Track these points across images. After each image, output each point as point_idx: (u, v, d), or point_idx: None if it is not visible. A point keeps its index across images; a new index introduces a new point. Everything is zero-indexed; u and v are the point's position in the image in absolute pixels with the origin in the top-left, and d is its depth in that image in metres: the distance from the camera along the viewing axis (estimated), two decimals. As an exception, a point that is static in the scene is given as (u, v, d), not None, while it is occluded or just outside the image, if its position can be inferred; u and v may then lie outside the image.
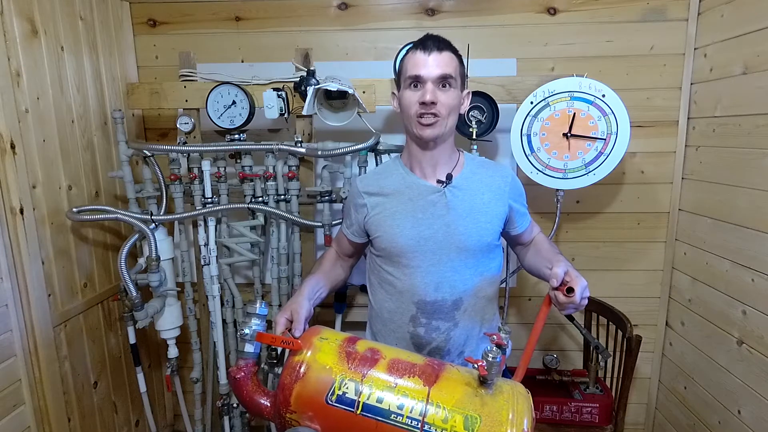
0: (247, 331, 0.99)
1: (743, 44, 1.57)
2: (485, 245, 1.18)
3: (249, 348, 1.00)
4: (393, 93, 1.23)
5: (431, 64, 1.09)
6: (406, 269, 1.18)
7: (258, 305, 1.01)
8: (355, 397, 0.87)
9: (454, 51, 1.14)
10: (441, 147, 1.18)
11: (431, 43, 1.11)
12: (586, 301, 0.98)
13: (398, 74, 1.19)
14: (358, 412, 0.87)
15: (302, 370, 0.91)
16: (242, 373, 0.99)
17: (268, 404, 0.96)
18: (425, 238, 1.15)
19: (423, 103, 1.10)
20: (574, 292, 0.95)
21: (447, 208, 1.16)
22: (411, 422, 0.85)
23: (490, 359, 0.85)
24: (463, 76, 1.17)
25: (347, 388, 0.88)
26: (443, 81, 1.10)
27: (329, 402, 0.88)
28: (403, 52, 1.16)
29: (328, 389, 0.89)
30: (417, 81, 1.11)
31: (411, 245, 1.16)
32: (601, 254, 2.02)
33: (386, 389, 0.88)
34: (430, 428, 0.84)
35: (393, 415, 0.86)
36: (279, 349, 1.05)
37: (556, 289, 0.99)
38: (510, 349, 1.32)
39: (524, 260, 1.32)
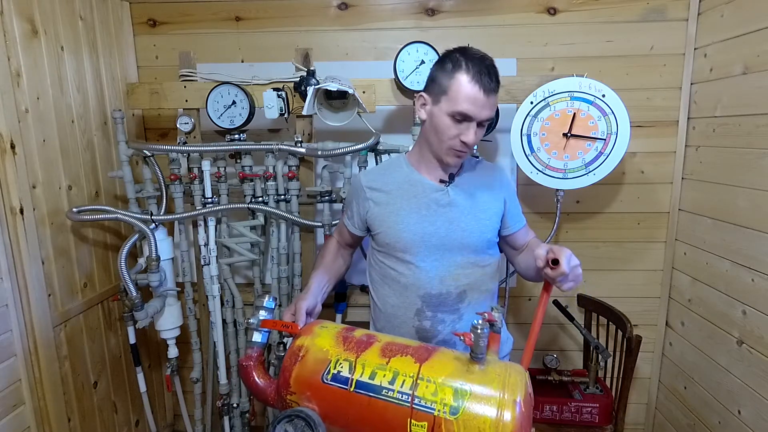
0: (253, 320, 1.06)
1: (743, 44, 1.57)
2: (486, 241, 1.22)
3: (257, 337, 1.07)
4: (422, 96, 1.16)
5: (485, 107, 1.08)
6: (410, 264, 1.20)
7: (266, 299, 1.09)
8: (349, 375, 0.91)
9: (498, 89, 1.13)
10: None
11: (489, 82, 1.06)
12: (579, 270, 0.97)
13: (439, 90, 1.11)
14: (352, 389, 0.90)
15: (301, 353, 0.96)
16: (250, 362, 1.05)
17: (272, 389, 1.01)
18: (429, 234, 1.18)
19: (464, 143, 1.11)
20: (560, 263, 0.94)
21: (450, 205, 1.19)
22: (402, 396, 0.87)
23: (478, 332, 0.86)
24: None
25: (342, 367, 0.92)
26: (484, 122, 1.12)
27: (325, 380, 0.92)
28: (455, 72, 1.08)
29: (324, 369, 0.93)
30: (464, 118, 1.09)
31: (415, 240, 1.19)
32: (601, 254, 2.02)
33: (378, 367, 0.91)
34: (420, 401, 0.86)
35: (384, 391, 0.88)
36: (287, 344, 1.11)
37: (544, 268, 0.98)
38: (510, 345, 1.32)
39: (516, 262, 1.31)
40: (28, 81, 1.42)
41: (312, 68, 1.63)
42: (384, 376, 0.90)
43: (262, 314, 1.07)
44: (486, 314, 0.93)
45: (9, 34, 1.35)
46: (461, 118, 1.09)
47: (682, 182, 1.91)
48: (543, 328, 2.09)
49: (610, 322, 1.88)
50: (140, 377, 1.84)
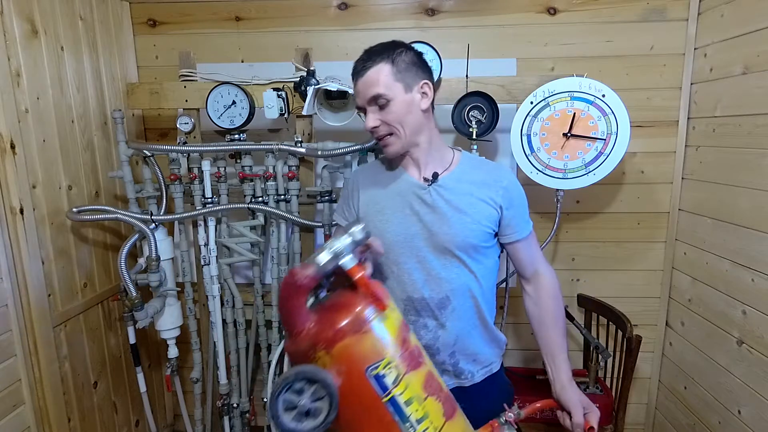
0: (338, 244, 0.90)
1: (743, 44, 1.57)
2: (471, 246, 1.14)
3: (323, 258, 0.89)
4: None
5: (360, 92, 1.10)
6: (393, 266, 1.17)
7: (359, 227, 0.92)
8: (391, 387, 0.85)
9: (384, 59, 1.08)
10: (416, 151, 1.17)
11: (356, 67, 1.11)
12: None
13: None
14: (385, 400, 0.85)
15: (365, 328, 0.86)
16: (304, 281, 0.88)
17: (308, 329, 0.88)
18: (411, 235, 1.15)
19: (370, 131, 1.13)
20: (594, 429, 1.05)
21: (431, 206, 1.15)
22: None
23: None
24: (408, 76, 1.10)
25: (389, 373, 0.86)
26: (376, 101, 1.09)
27: (367, 374, 0.85)
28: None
29: (374, 362, 0.85)
30: (361, 110, 1.14)
31: (398, 241, 1.15)
32: (601, 254, 2.02)
33: (416, 398, 0.87)
34: None
35: (408, 424, 0.85)
36: (331, 280, 0.98)
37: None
38: (504, 346, 1.29)
39: (526, 306, 1.27)
40: (28, 81, 1.42)
41: (312, 68, 1.63)
42: (416, 410, 0.86)
43: (346, 244, 0.89)
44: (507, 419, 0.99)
45: (9, 34, 1.35)
46: (361, 111, 1.14)
47: (682, 182, 1.91)
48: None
49: (610, 322, 1.87)
50: (140, 377, 1.84)
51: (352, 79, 1.13)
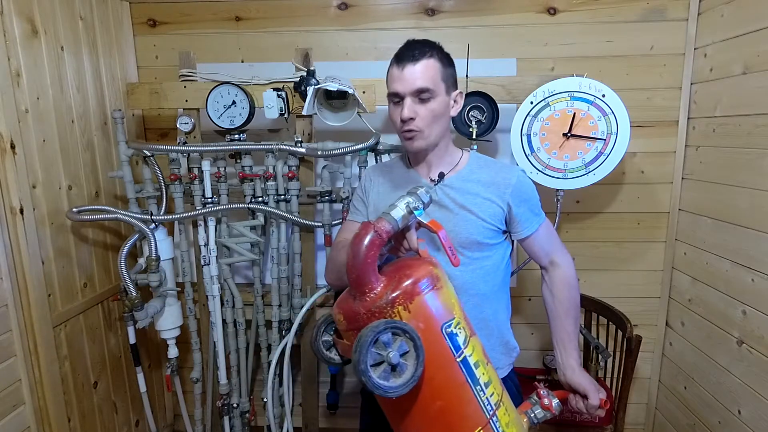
0: (410, 199, 0.91)
1: (743, 44, 1.57)
2: (474, 242, 1.15)
3: (397, 214, 0.89)
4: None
5: (406, 79, 1.07)
6: None
7: (423, 189, 0.95)
8: (462, 347, 0.85)
9: (435, 55, 1.09)
10: (432, 151, 1.18)
11: (406, 53, 1.08)
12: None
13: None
14: (459, 360, 0.85)
15: (439, 283, 0.87)
16: (383, 234, 0.86)
17: (384, 285, 0.86)
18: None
19: (402, 120, 1.10)
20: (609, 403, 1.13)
21: (437, 204, 1.16)
22: (487, 405, 0.85)
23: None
24: (450, 78, 1.13)
25: (459, 332, 0.86)
26: (420, 94, 1.08)
27: (443, 331, 0.84)
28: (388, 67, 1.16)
29: (448, 320, 0.85)
30: (396, 97, 1.11)
31: None
32: (601, 254, 2.02)
33: (482, 362, 0.88)
34: (496, 423, 0.85)
35: (479, 387, 0.85)
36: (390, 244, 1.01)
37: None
38: (517, 352, 1.32)
39: (543, 293, 1.29)
40: (28, 81, 1.42)
41: (312, 68, 1.63)
42: (483, 374, 0.86)
43: (417, 201, 0.90)
44: (543, 399, 1.02)
45: (9, 34, 1.35)
46: (395, 99, 1.11)
47: (682, 182, 1.91)
48: (542, 327, 2.09)
49: (610, 322, 1.87)
50: (140, 377, 1.84)
51: (398, 64, 1.09)
